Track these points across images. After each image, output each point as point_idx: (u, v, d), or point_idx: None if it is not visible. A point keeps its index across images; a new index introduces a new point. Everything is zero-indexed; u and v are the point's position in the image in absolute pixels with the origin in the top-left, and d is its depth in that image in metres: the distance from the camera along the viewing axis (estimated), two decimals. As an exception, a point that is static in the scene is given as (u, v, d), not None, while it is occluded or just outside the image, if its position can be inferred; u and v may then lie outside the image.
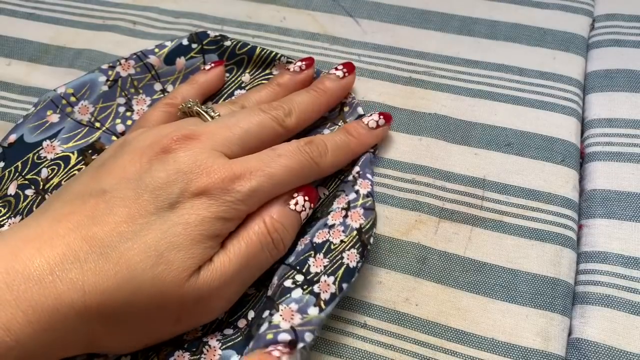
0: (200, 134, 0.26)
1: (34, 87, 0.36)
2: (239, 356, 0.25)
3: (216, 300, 0.25)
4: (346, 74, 0.32)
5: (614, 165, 0.31)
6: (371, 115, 0.31)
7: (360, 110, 0.32)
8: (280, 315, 0.24)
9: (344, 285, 0.25)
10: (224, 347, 0.26)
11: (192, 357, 0.25)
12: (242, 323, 0.26)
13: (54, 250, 0.22)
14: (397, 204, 0.30)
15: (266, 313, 0.24)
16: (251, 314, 0.26)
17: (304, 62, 0.33)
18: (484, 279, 0.28)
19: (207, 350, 0.25)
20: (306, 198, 0.27)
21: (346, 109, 0.32)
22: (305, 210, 0.27)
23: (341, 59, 0.36)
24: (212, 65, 0.34)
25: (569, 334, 0.27)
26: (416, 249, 0.28)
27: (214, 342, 0.26)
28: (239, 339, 0.26)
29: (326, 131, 0.31)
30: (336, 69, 0.32)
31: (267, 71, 0.34)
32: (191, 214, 0.24)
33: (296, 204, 0.27)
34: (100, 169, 0.25)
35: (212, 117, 0.29)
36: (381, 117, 0.31)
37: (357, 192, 0.28)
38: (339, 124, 0.32)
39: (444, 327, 0.26)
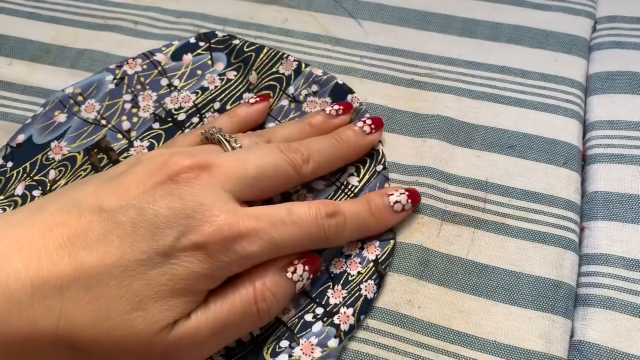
0: (214, 165, 0.25)
1: (35, 86, 0.36)
2: None
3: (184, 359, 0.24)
4: (373, 130, 0.30)
5: (615, 167, 0.31)
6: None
7: (367, 115, 0.32)
8: (301, 349, 0.24)
9: (362, 317, 0.26)
10: None
11: None
12: (246, 337, 0.26)
13: (39, 270, 0.21)
14: (399, 206, 0.30)
15: (285, 343, 0.25)
16: (256, 330, 0.27)
17: (341, 107, 0.31)
18: (487, 282, 0.28)
19: None
20: (306, 268, 0.25)
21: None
22: (302, 280, 0.25)
23: (343, 61, 0.36)
24: (257, 100, 0.32)
25: (571, 336, 0.27)
26: (419, 251, 0.28)
27: (218, 358, 0.26)
28: (242, 353, 0.26)
29: None
30: (364, 122, 0.30)
31: (274, 69, 0.34)
32: (180, 266, 0.22)
33: (294, 272, 0.25)
34: (106, 182, 0.24)
35: (233, 148, 0.27)
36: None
37: None
38: None
39: (446, 329, 0.26)
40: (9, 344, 0.20)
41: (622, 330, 0.26)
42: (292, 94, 0.33)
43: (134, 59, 0.34)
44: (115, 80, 0.33)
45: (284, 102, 0.33)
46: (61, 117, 0.32)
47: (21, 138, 0.31)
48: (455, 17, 0.38)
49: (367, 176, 0.30)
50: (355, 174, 0.30)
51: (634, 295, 0.27)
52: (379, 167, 0.30)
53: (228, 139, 0.28)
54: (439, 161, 0.31)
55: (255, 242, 0.23)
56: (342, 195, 0.30)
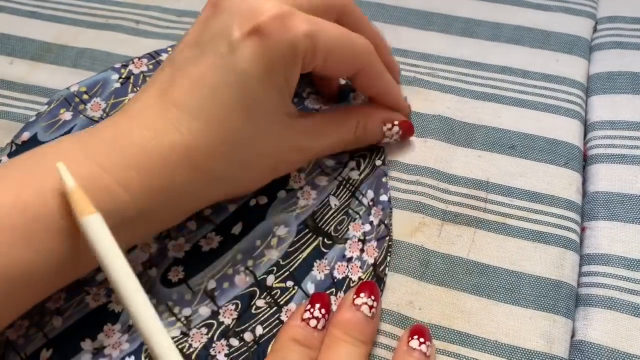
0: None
1: (36, 85, 0.36)
2: None
3: None
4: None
5: (616, 167, 0.31)
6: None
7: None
8: None
9: None
10: None
11: None
12: (248, 337, 0.26)
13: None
14: (400, 206, 0.30)
15: None
16: (259, 330, 0.27)
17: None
18: (488, 282, 0.28)
19: None
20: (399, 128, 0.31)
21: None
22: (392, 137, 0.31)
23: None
24: None
25: (572, 336, 0.27)
26: (419, 251, 0.28)
27: (222, 357, 0.26)
28: (245, 354, 0.26)
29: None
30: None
31: None
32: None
33: (390, 129, 0.30)
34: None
35: None
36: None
37: (371, 223, 0.29)
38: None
39: (447, 329, 0.26)
40: (146, 174, 0.23)
41: (623, 330, 0.26)
42: (296, 90, 0.33)
43: (139, 58, 0.34)
44: (120, 80, 0.33)
45: None
46: (67, 115, 0.32)
47: (26, 136, 0.31)
48: (456, 17, 0.38)
49: (367, 170, 0.30)
50: (356, 168, 0.30)
51: (635, 295, 0.27)
52: (378, 162, 0.31)
53: None
54: (440, 161, 0.31)
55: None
56: (344, 190, 0.30)
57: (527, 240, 0.29)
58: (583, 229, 0.30)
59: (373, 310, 0.25)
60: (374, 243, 0.28)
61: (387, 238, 0.28)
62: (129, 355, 0.26)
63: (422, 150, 0.32)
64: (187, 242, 0.29)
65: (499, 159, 0.31)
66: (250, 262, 0.28)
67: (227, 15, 0.24)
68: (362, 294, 0.26)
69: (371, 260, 0.28)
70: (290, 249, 0.28)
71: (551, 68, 0.35)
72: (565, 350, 0.26)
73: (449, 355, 0.26)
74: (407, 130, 0.31)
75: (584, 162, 0.32)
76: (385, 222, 0.29)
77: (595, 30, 0.38)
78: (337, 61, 0.26)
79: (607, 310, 0.27)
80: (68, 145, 0.23)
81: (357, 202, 0.29)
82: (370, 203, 0.29)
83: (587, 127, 0.34)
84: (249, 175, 0.27)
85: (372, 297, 0.26)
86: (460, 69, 0.35)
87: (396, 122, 0.31)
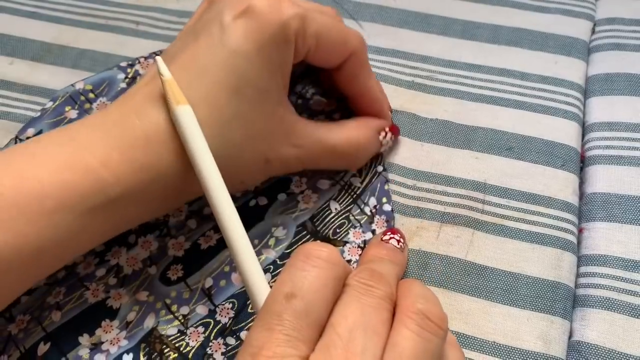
0: None
1: (37, 86, 0.36)
2: None
3: None
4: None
5: (614, 168, 0.31)
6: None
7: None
8: None
9: None
10: None
11: None
12: (245, 336, 0.26)
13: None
14: (398, 211, 0.30)
15: None
16: None
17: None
18: (485, 283, 0.28)
19: None
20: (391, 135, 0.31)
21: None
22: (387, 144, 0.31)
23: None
24: None
25: (570, 336, 0.27)
26: (418, 255, 0.29)
27: (219, 356, 0.26)
28: None
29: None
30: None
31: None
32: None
33: (384, 137, 0.30)
34: None
35: None
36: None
37: (373, 232, 0.29)
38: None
39: (445, 329, 0.27)
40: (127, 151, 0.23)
41: (620, 331, 0.26)
42: (300, 91, 0.33)
43: (145, 58, 0.34)
44: (127, 80, 0.33)
45: (292, 98, 0.33)
46: (72, 114, 0.32)
47: (31, 132, 0.31)
48: (455, 20, 0.38)
49: (368, 177, 0.30)
50: (357, 174, 0.30)
51: (632, 295, 0.27)
52: (379, 168, 0.31)
53: None
54: (437, 165, 0.31)
55: None
56: (346, 195, 0.30)
57: (524, 242, 0.29)
58: (581, 230, 0.30)
59: (401, 244, 0.27)
60: None
61: None
62: (127, 352, 0.26)
63: (419, 154, 0.32)
64: (187, 241, 0.29)
65: (497, 160, 0.32)
66: None
67: (222, 4, 0.25)
68: (388, 234, 0.27)
69: None
70: (288, 250, 0.28)
71: (550, 70, 0.35)
72: (562, 351, 0.26)
73: (446, 356, 0.26)
74: (396, 134, 0.32)
75: (581, 163, 0.32)
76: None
77: (593, 32, 0.38)
78: (329, 44, 0.26)
79: (604, 311, 0.27)
80: (56, 132, 0.24)
81: (358, 209, 0.30)
82: (373, 211, 0.29)
83: (585, 128, 0.34)
84: (240, 163, 0.26)
85: (399, 235, 0.27)
86: (459, 71, 0.36)
87: (387, 129, 0.30)
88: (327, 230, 0.29)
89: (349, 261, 0.28)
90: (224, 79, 0.24)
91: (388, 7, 0.39)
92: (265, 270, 0.28)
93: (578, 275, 0.29)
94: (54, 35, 0.38)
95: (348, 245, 0.29)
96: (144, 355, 0.26)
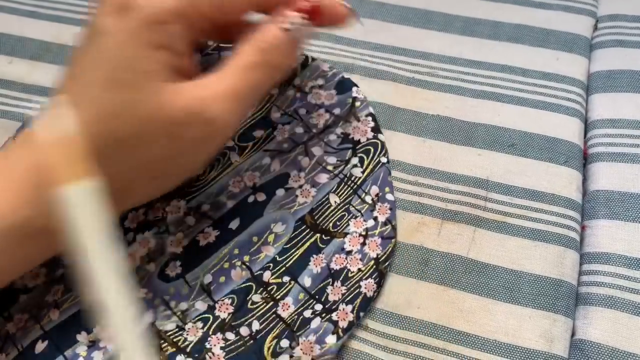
0: None
1: (36, 85, 0.36)
2: None
3: None
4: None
5: (617, 166, 0.31)
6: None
7: (370, 108, 0.32)
8: (301, 349, 0.25)
9: (361, 314, 0.26)
10: (227, 356, 0.26)
11: None
12: (245, 331, 0.26)
13: None
14: (400, 207, 0.30)
15: (285, 343, 0.26)
16: (256, 325, 0.26)
17: None
18: (487, 280, 0.28)
19: (210, 357, 0.26)
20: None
21: (357, 104, 0.32)
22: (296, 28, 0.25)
23: (344, 58, 0.36)
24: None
25: (572, 335, 0.27)
26: (419, 251, 0.28)
27: (217, 350, 0.26)
28: (241, 348, 0.26)
29: (338, 130, 0.31)
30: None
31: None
32: None
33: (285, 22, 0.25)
34: None
35: None
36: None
37: (375, 218, 0.29)
38: (351, 120, 0.31)
39: (446, 329, 0.26)
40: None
41: (623, 329, 0.26)
42: (298, 85, 0.33)
43: None
44: None
45: (290, 92, 0.33)
46: None
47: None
48: (456, 16, 0.38)
49: (370, 166, 0.30)
50: (359, 164, 0.30)
51: (635, 294, 0.27)
52: (383, 159, 0.30)
53: None
54: (439, 161, 0.31)
55: None
56: (346, 187, 0.30)
57: (527, 239, 0.29)
58: (583, 228, 0.30)
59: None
60: (378, 239, 0.28)
61: (392, 240, 0.28)
62: None
63: (421, 150, 0.32)
64: (186, 237, 0.29)
65: (499, 157, 0.31)
66: (246, 258, 0.28)
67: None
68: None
69: (373, 254, 0.27)
70: (287, 246, 0.28)
71: (551, 66, 0.35)
72: (565, 349, 0.26)
73: (448, 355, 0.26)
74: (314, 13, 0.25)
75: (584, 160, 0.32)
76: (393, 223, 0.29)
77: (595, 28, 0.38)
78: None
79: (607, 309, 0.27)
80: None
81: (359, 199, 0.29)
82: (375, 199, 0.29)
83: (587, 125, 0.34)
84: (130, 159, 0.23)
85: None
86: (460, 67, 0.35)
87: (293, 13, 0.25)
88: (327, 224, 0.29)
89: (350, 252, 0.28)
90: (98, 67, 0.23)
91: (388, 3, 0.39)
92: (265, 269, 0.28)
93: (581, 273, 0.29)
94: (54, 34, 0.38)
95: (349, 236, 0.28)
96: None
